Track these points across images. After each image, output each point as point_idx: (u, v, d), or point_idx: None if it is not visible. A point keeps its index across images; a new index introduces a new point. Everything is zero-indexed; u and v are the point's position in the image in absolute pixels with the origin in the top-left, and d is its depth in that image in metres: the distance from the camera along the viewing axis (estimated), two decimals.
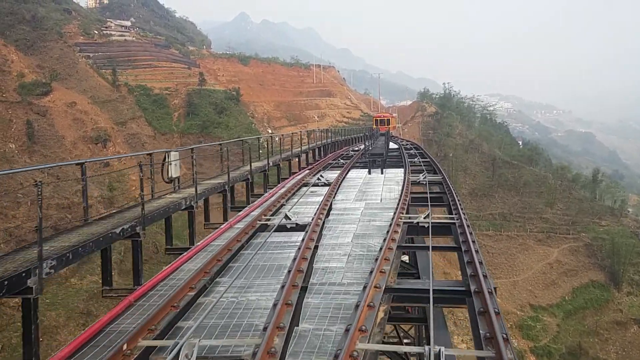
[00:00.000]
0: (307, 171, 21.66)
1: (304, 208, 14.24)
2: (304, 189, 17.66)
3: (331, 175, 20.52)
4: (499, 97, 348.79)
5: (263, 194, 17.48)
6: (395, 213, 11.37)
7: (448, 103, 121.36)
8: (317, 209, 12.28)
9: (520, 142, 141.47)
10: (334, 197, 15.20)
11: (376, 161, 21.76)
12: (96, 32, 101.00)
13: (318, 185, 18.30)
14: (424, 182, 17.35)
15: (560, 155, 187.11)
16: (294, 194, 16.84)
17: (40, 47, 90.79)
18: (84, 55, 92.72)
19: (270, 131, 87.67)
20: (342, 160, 24.80)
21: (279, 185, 19.31)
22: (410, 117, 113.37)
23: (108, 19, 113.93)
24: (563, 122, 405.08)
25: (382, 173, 20.95)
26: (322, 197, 14.28)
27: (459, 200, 13.42)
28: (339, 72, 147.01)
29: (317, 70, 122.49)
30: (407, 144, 41.03)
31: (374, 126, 59.20)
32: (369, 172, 21.16)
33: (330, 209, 13.59)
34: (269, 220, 12.05)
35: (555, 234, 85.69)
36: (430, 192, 15.03)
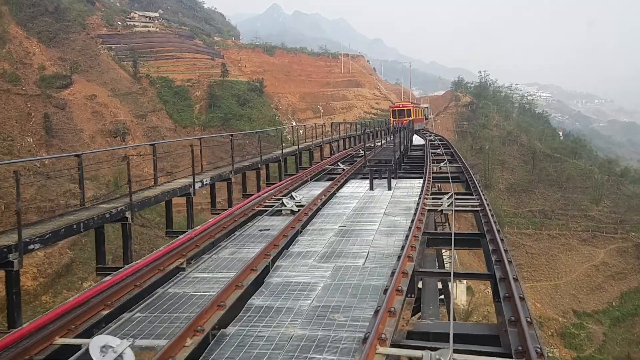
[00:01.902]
0: (283, 185, 16.18)
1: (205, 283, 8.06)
2: (248, 225, 11.68)
3: (314, 191, 15.22)
4: (537, 87, 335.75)
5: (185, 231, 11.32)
6: (380, 312, 5.32)
7: (484, 92, 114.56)
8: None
9: (561, 133, 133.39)
10: (280, 254, 9.06)
11: (382, 172, 16.35)
12: (119, 23, 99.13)
13: (278, 215, 12.61)
14: (449, 211, 11.51)
15: (603, 147, 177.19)
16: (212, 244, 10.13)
17: (63, 39, 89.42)
18: (106, 46, 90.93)
19: (294, 123, 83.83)
20: (341, 166, 19.67)
21: (224, 213, 12.42)
22: (443, 108, 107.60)
23: (133, 10, 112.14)
24: (605, 111, 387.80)
25: (389, 189, 15.45)
26: (256, 252, 8.57)
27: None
28: (368, 61, 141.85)
29: (345, 59, 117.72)
30: (435, 140, 35.95)
31: (391, 118, 49.09)
32: (371, 188, 15.75)
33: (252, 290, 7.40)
34: None
35: (601, 233, 79.07)
36: (458, 235, 9.49)
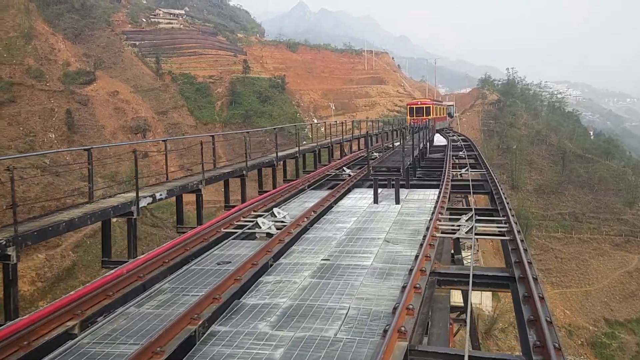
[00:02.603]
0: (271, 196, 13.74)
1: None
2: (206, 255, 9.07)
3: (307, 204, 12.90)
4: (567, 85, 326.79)
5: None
6: None
7: (512, 90, 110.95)
8: None
9: (591, 133, 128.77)
10: (226, 309, 6.39)
11: (390, 181, 14.10)
12: (144, 20, 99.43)
13: (252, 239, 10.17)
14: (468, 239, 9.25)
15: (636, 147, 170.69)
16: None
17: (88, 36, 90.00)
18: (130, 43, 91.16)
19: (315, 121, 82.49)
20: (347, 172, 17.27)
21: (187, 234, 10.12)
22: (469, 106, 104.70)
23: (158, 7, 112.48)
24: (638, 110, 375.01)
25: (397, 202, 13.04)
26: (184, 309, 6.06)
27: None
28: (393, 58, 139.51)
29: (369, 56, 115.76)
30: (458, 141, 33.55)
31: (408, 117, 43.91)
32: (375, 201, 13.34)
33: None
34: None
35: (635, 237, 75.45)
36: (479, 273, 7.23)
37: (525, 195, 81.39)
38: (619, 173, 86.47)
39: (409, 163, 14.04)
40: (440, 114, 52.10)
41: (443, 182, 13.37)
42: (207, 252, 9.08)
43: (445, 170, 15.25)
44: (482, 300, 56.68)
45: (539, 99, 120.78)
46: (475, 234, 8.91)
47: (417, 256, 7.08)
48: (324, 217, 11.78)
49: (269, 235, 9.82)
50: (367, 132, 15.06)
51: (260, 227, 10.25)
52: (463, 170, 16.51)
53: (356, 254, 8.81)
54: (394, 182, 13.66)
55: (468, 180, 14.36)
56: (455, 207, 11.80)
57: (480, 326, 55.97)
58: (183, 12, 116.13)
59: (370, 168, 13.65)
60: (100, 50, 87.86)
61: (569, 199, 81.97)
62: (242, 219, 11.21)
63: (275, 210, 11.78)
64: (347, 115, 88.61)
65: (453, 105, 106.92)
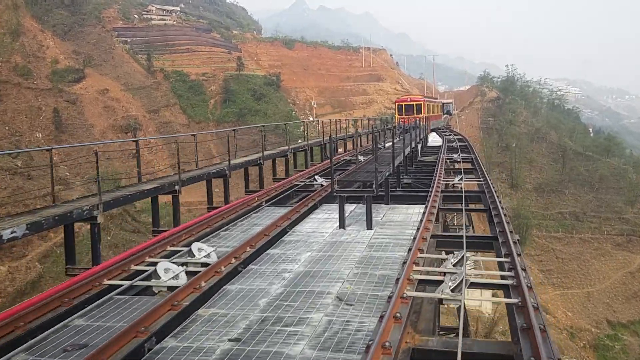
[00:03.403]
0: (212, 217, 11.19)
1: None
2: (60, 326, 5.90)
3: (255, 229, 10.34)
4: (566, 82, 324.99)
5: None
6: None
7: (511, 87, 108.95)
8: None
9: (591, 130, 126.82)
10: None
11: (363, 198, 10.95)
12: (136, 16, 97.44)
13: (148, 293, 7.29)
14: (456, 302, 5.74)
15: (636, 144, 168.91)
16: None
17: (78, 32, 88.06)
18: (121, 40, 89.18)
19: (311, 119, 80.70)
20: (319, 181, 14.98)
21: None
22: (468, 103, 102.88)
23: (151, 4, 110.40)
24: (636, 107, 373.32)
25: (369, 227, 10.28)
26: None
27: None
28: (391, 55, 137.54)
29: (366, 53, 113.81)
30: (454, 141, 31.12)
31: (397, 115, 39.28)
32: (341, 225, 10.50)
33: None
34: None
35: (637, 237, 73.78)
36: (475, 351, 4.77)
37: (525, 194, 79.70)
38: (620, 171, 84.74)
39: (387, 173, 11.51)
40: (434, 112, 48.12)
41: (431, 196, 10.87)
42: (61, 323, 5.86)
43: (435, 180, 12.96)
44: (481, 302, 55.07)
45: (539, 96, 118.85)
46: (470, 283, 5.97)
47: (379, 333, 4.34)
48: (269, 251, 8.88)
49: (171, 288, 6.76)
50: (330, 136, 12.28)
51: (159, 277, 7.09)
52: (457, 179, 14.24)
53: (288, 325, 5.75)
54: (364, 201, 10.86)
55: (461, 191, 11.97)
56: (443, 234, 8.93)
57: (480, 329, 54.38)
58: (177, 8, 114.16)
59: (335, 183, 10.34)
60: (90, 47, 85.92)
61: (569, 198, 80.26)
62: (147, 258, 8.00)
63: (195, 246, 8.33)
64: (343, 113, 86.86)
65: (452, 102, 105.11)
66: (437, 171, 14.57)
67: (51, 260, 26.66)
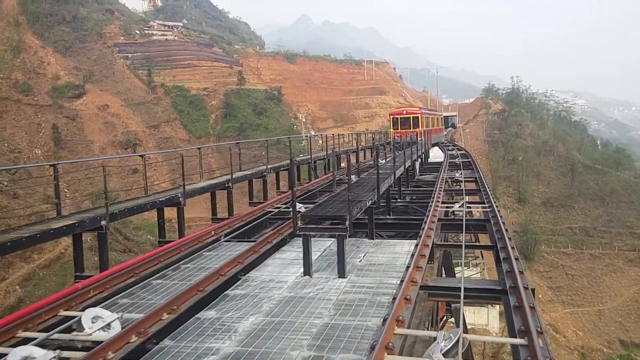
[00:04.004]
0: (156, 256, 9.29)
1: None
2: None
3: (200, 274, 8.43)
4: (572, 94, 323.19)
5: None
6: None
7: (516, 99, 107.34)
8: None
9: (598, 142, 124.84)
10: None
11: (335, 236, 8.74)
12: (137, 32, 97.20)
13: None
14: None
15: None
16: None
17: (79, 49, 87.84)
18: (122, 55, 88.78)
19: (313, 133, 79.54)
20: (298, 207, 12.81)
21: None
22: (472, 116, 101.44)
23: (153, 20, 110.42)
24: None
25: (341, 275, 8.08)
26: None
27: None
28: (394, 68, 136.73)
29: (369, 66, 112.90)
30: (457, 157, 29.19)
31: (392, 130, 36.06)
32: (307, 272, 8.28)
33: None
34: None
35: None
36: None
37: (533, 209, 77.88)
38: (631, 184, 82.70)
39: (370, 202, 9.54)
40: (434, 125, 45.31)
41: (424, 229, 8.74)
42: None
43: (431, 205, 10.95)
44: (488, 320, 53.13)
45: (545, 109, 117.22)
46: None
47: None
48: (201, 314, 6.59)
49: None
50: (291, 159, 10.39)
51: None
52: (457, 206, 11.72)
53: None
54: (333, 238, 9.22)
55: (462, 220, 9.75)
56: (436, 286, 6.56)
57: (487, 349, 52.39)
58: (180, 24, 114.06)
59: (298, 218, 8.04)
60: (91, 63, 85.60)
61: (578, 213, 78.25)
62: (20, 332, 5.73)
63: (90, 313, 5.80)
64: (346, 127, 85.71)
65: (456, 115, 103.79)
66: (435, 193, 12.87)
67: (33, 283, 25.19)
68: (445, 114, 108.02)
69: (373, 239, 10.38)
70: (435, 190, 13.35)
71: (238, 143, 19.52)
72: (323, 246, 9.98)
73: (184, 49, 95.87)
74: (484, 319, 53.03)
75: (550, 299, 69.76)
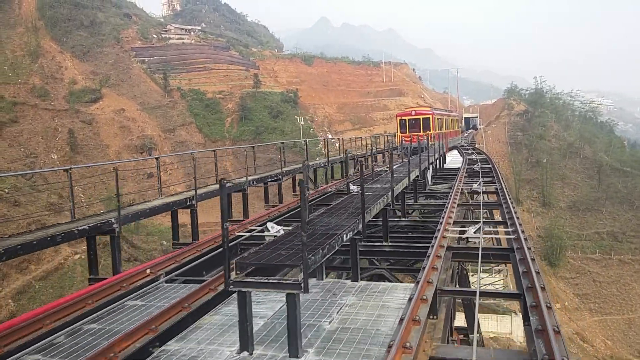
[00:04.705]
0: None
1: None
2: None
3: (110, 337, 6.21)
4: (597, 94, 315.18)
5: None
6: None
7: (540, 100, 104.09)
8: None
9: (625, 143, 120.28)
10: None
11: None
12: (154, 36, 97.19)
13: None
14: None
15: None
16: None
17: (97, 53, 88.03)
18: (139, 60, 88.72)
19: (330, 136, 78.17)
20: (273, 230, 9.74)
21: None
22: (494, 117, 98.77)
23: (170, 24, 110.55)
24: None
25: (295, 355, 5.45)
26: None
27: None
28: (413, 69, 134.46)
29: (387, 68, 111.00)
30: (475, 162, 26.11)
31: (399, 133, 32.55)
32: (244, 347, 5.64)
33: None
34: None
35: None
36: None
37: (558, 213, 75.03)
38: None
39: (349, 235, 7.35)
40: (450, 127, 41.00)
41: (427, 265, 6.65)
42: None
43: (440, 230, 8.80)
44: (512, 329, 50.92)
45: (570, 109, 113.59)
46: None
47: None
48: None
49: None
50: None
51: None
52: (472, 231, 9.15)
53: None
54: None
55: (478, 249, 7.57)
56: None
57: None
58: (198, 27, 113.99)
59: (233, 266, 5.43)
60: (108, 67, 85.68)
61: (606, 217, 75.07)
62: None
63: None
64: (363, 129, 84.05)
65: (477, 116, 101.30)
66: (447, 210, 10.65)
67: (28, 296, 24.02)
68: (465, 115, 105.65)
69: (357, 280, 7.92)
70: (448, 205, 11.35)
71: (253, 147, 19.87)
72: (274, 308, 7.07)
73: (200, 52, 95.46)
74: (508, 327, 51.07)
75: (577, 306, 66.98)
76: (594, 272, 68.47)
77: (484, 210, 10.96)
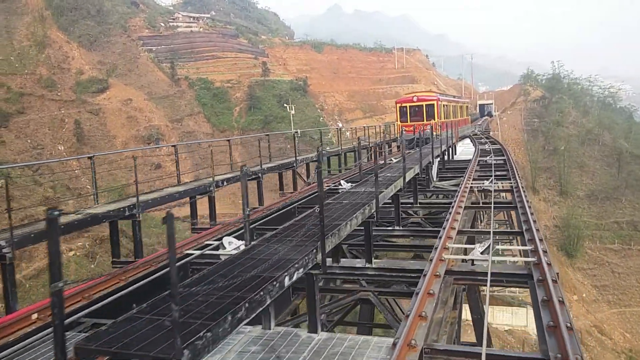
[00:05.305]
0: None
1: None
2: None
3: None
4: (616, 79, 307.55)
5: None
6: None
7: (557, 85, 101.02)
8: None
9: None
10: None
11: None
12: (162, 24, 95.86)
13: None
14: None
15: None
16: None
17: (103, 43, 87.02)
18: (146, 49, 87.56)
19: (340, 125, 76.53)
20: (228, 248, 8.51)
21: None
22: (510, 104, 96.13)
23: (178, 12, 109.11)
24: None
25: None
26: None
27: None
28: (427, 56, 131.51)
29: (399, 54, 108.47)
30: (489, 153, 23.85)
31: (398, 122, 29.10)
32: None
33: None
34: None
35: None
36: None
37: (576, 202, 72.79)
38: None
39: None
40: (458, 115, 37.14)
41: (404, 333, 4.83)
42: None
43: (438, 247, 7.26)
44: (527, 321, 49.42)
45: (589, 94, 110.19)
46: None
47: None
48: None
49: None
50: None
51: None
52: (479, 250, 7.29)
53: None
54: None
55: (487, 275, 6.17)
56: None
57: (527, 351, 48.61)
58: (207, 15, 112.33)
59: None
60: (115, 57, 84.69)
61: (626, 206, 72.65)
62: None
63: None
64: (375, 117, 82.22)
65: (492, 103, 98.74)
66: (450, 216, 8.83)
67: (17, 296, 22.75)
68: (480, 101, 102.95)
69: (316, 331, 5.94)
70: (453, 209, 9.37)
71: (268, 135, 21.36)
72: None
73: (208, 41, 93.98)
74: (523, 320, 49.74)
75: (594, 298, 65.14)
76: (613, 263, 66.44)
77: (496, 211, 9.30)
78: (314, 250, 5.81)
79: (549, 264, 6.77)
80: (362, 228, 7.71)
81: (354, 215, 7.21)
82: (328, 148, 30.98)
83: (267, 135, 22.92)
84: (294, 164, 18.47)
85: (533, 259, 7.22)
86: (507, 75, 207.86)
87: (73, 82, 76.03)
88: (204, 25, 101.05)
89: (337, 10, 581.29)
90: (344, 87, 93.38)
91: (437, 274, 6.44)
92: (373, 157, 8.90)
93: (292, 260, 5.35)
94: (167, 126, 73.73)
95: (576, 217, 67.94)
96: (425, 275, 5.67)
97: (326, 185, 13.91)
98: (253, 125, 75.96)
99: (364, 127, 37.83)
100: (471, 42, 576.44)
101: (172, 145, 16.23)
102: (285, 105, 77.62)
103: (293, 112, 67.31)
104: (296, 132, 26.58)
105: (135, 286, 7.49)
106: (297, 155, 19.31)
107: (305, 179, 21.68)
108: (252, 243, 6.12)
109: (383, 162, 16.00)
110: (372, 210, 8.00)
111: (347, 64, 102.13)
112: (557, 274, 6.28)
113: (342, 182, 13.11)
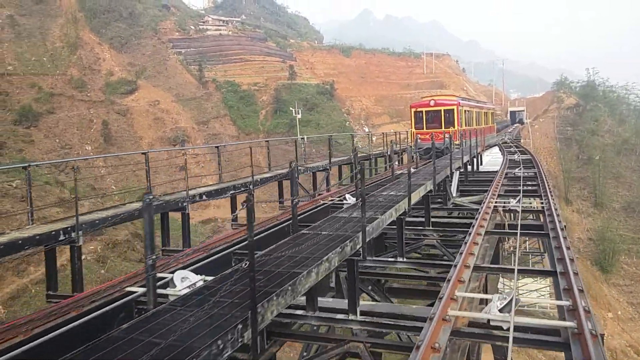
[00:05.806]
0: None
1: None
2: None
3: None
4: None
5: None
6: None
7: (592, 93, 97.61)
8: None
9: None
10: None
11: None
12: (192, 27, 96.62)
13: None
14: None
15: None
16: None
17: (134, 45, 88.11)
18: (175, 51, 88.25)
19: (366, 129, 75.41)
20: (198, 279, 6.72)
21: None
22: (542, 111, 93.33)
23: (208, 15, 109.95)
24: None
25: None
26: None
27: None
28: (456, 61, 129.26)
29: (428, 59, 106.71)
30: (518, 165, 21.18)
31: (413, 128, 26.79)
32: None
33: None
34: None
35: None
36: None
37: (612, 215, 69.75)
38: None
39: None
40: (482, 123, 33.19)
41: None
42: None
43: (444, 294, 5.67)
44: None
45: (625, 103, 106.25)
46: None
47: None
48: None
49: None
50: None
51: None
52: (497, 303, 5.26)
53: None
54: None
55: (509, 338, 4.65)
56: None
57: None
58: (237, 19, 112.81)
59: None
60: (145, 59, 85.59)
61: None
62: None
63: None
64: (402, 123, 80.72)
65: (524, 110, 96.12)
66: (465, 249, 7.02)
67: (22, 301, 21.61)
68: (511, 108, 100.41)
69: None
70: (470, 238, 7.61)
71: (303, 138, 23.10)
72: None
73: (237, 44, 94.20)
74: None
75: (631, 316, 62.04)
76: None
77: (523, 237, 7.77)
78: (239, 327, 4.15)
79: (593, 335, 4.91)
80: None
81: (325, 258, 5.61)
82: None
83: (303, 138, 25.00)
84: (328, 167, 19.43)
85: (571, 324, 5.34)
86: (538, 83, 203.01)
87: (103, 83, 77.06)
88: (233, 29, 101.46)
89: (367, 16, 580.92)
90: (371, 91, 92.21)
91: (433, 347, 4.70)
92: (360, 175, 7.38)
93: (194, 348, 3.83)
94: (193, 128, 73.88)
95: (612, 230, 65.00)
96: (429, 329, 4.42)
97: (330, 199, 12.61)
98: (278, 129, 75.46)
99: (383, 133, 37.34)
100: (501, 49, 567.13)
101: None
102: (306, 109, 76.88)
103: (299, 116, 66.54)
104: (302, 138, 27.50)
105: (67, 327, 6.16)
106: (331, 157, 20.44)
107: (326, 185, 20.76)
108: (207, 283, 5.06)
109: (391, 175, 14.65)
110: (356, 248, 6.44)
111: (375, 68, 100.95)
112: (602, 335, 4.91)
113: (347, 195, 11.80)
